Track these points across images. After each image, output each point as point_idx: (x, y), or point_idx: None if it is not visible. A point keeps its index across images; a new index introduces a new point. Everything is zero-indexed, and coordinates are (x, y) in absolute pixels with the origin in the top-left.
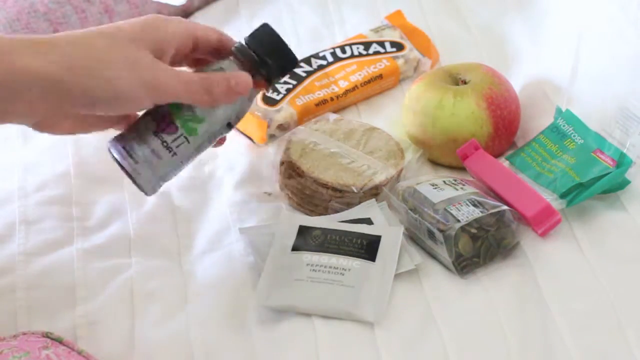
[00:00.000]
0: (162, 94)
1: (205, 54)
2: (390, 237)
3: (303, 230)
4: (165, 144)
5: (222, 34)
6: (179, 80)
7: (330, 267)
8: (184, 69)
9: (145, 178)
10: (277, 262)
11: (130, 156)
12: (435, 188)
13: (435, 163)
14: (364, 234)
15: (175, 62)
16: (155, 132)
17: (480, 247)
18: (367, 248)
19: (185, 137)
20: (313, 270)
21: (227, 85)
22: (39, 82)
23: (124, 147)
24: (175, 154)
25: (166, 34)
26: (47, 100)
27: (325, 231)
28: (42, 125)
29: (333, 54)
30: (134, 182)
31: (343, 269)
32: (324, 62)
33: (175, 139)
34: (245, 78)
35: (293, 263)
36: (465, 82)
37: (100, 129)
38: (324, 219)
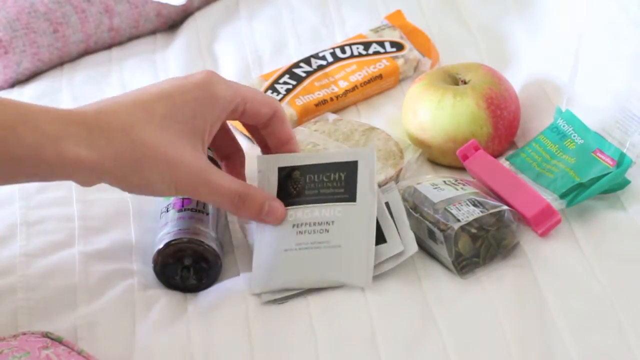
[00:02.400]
0: (191, 194)
1: (252, 125)
2: (365, 161)
3: (282, 173)
4: None
5: (278, 113)
6: (209, 186)
7: (315, 223)
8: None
9: None
10: (267, 234)
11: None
12: (436, 188)
13: (435, 163)
14: (340, 163)
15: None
16: None
17: (480, 247)
18: (346, 183)
19: None
20: (300, 232)
21: (258, 210)
22: (86, 171)
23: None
24: None
25: (218, 115)
26: (90, 182)
27: (303, 170)
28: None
29: (333, 54)
30: None
31: (327, 222)
32: (323, 62)
33: None
34: (281, 209)
35: (280, 227)
36: (465, 82)
37: None
38: (301, 155)
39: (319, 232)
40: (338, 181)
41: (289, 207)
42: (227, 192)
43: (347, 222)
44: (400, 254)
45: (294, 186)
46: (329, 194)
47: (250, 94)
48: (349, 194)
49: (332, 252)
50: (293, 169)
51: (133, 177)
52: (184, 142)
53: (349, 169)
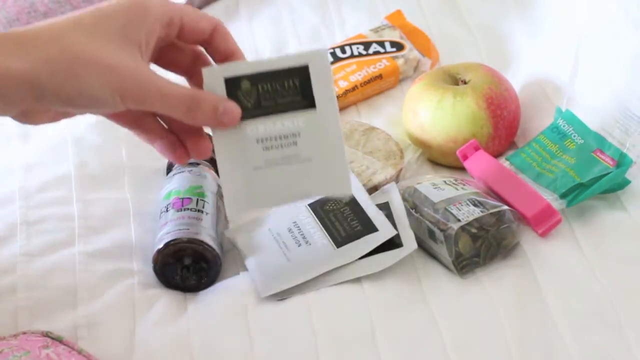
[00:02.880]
0: (140, 103)
1: (194, 44)
2: (317, 63)
3: (231, 85)
4: None
5: (218, 27)
6: (159, 91)
7: (280, 136)
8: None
9: None
10: (230, 151)
11: None
12: (436, 188)
13: (435, 163)
14: (290, 69)
15: (154, 49)
16: None
17: (480, 246)
18: (302, 89)
19: None
20: (266, 148)
21: (213, 111)
22: (19, 84)
23: None
24: None
25: (152, 26)
26: (25, 100)
27: (253, 80)
28: (21, 117)
29: (333, 54)
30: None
31: (292, 134)
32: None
33: None
34: (236, 109)
35: (241, 143)
36: (465, 82)
37: (82, 114)
38: (247, 63)
39: (287, 146)
40: (293, 88)
41: (247, 121)
42: (179, 96)
43: (312, 132)
44: (399, 250)
45: (247, 98)
46: (287, 103)
47: (187, 9)
48: (307, 101)
49: (305, 166)
50: (240, 79)
51: (69, 86)
52: (118, 49)
53: (302, 74)
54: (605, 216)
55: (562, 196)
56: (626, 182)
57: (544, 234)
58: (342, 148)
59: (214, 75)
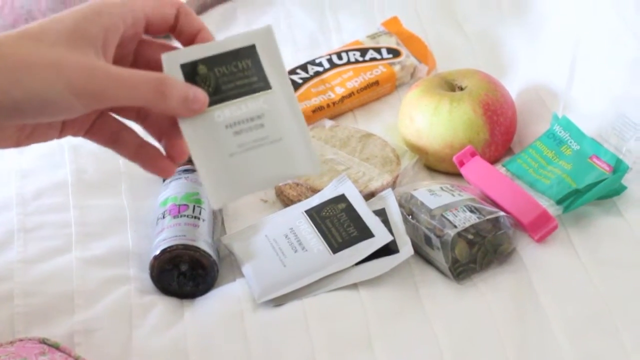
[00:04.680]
0: (99, 98)
1: (164, 33)
2: (263, 41)
3: (188, 71)
4: None
5: (181, 9)
6: (120, 79)
7: (247, 120)
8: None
9: None
10: (202, 140)
11: None
12: (432, 194)
13: (431, 169)
14: (239, 50)
15: (128, 52)
16: None
17: (476, 252)
18: (255, 70)
19: None
20: (236, 133)
21: (183, 96)
22: None
23: None
24: None
25: (109, 22)
26: None
27: (208, 64)
28: None
29: (329, 60)
30: None
31: (257, 117)
32: (320, 69)
33: None
34: (203, 94)
35: (212, 130)
36: (461, 89)
37: (51, 137)
38: (200, 47)
39: (255, 129)
40: (247, 70)
41: (212, 107)
42: (146, 80)
43: (274, 112)
44: (396, 256)
45: (206, 83)
46: (245, 85)
47: (149, 2)
48: (262, 81)
49: (277, 147)
50: (196, 63)
51: (14, 92)
52: (67, 49)
53: (251, 55)
54: (601, 222)
55: (559, 202)
56: (622, 188)
57: (540, 240)
58: (302, 126)
59: (172, 61)
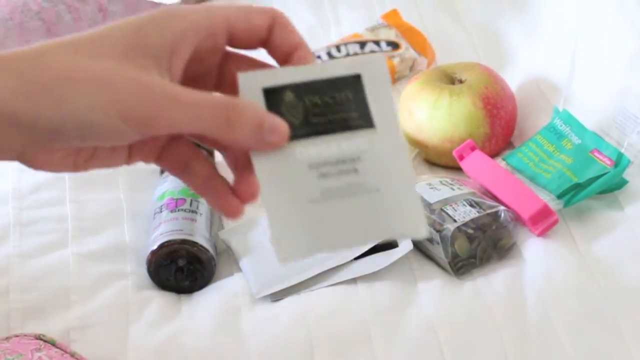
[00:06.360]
0: (152, 123)
1: (252, 47)
2: (372, 72)
3: (271, 97)
4: None
5: (278, 21)
6: (177, 103)
7: (338, 161)
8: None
9: None
10: (277, 180)
11: None
12: (432, 188)
13: (431, 163)
14: (340, 78)
15: (208, 69)
16: None
17: (476, 247)
18: (357, 104)
19: None
20: (322, 176)
21: (257, 124)
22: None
23: None
24: None
25: (178, 31)
26: (13, 136)
27: (298, 91)
28: (27, 160)
29: (329, 53)
30: None
31: (352, 159)
32: (319, 62)
33: None
34: (284, 125)
35: (291, 169)
36: (461, 82)
37: (117, 163)
38: (290, 70)
39: (347, 173)
40: (347, 102)
41: (295, 142)
42: (212, 104)
43: (374, 155)
44: (395, 251)
45: (292, 113)
46: (342, 120)
47: (232, 8)
48: (364, 118)
49: (371, 198)
50: (283, 89)
51: (50, 112)
52: (120, 62)
53: (355, 86)
54: (602, 216)
55: (559, 196)
56: (624, 182)
57: (540, 235)
58: (410, 177)
59: (251, 83)
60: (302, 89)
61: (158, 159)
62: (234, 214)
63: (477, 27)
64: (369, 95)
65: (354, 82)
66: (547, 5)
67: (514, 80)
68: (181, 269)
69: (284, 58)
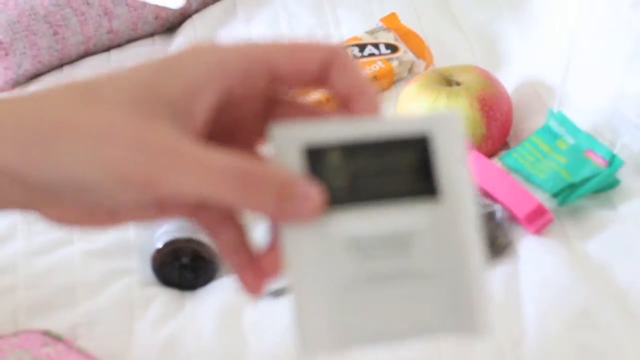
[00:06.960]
0: (152, 189)
1: (307, 90)
2: (445, 132)
3: (313, 156)
4: None
5: (337, 60)
6: (183, 166)
7: (386, 238)
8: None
9: None
10: (307, 260)
11: None
12: None
13: None
14: (403, 140)
15: (247, 115)
16: None
17: None
18: (418, 168)
19: None
20: (363, 257)
21: (277, 193)
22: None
23: None
24: None
25: (196, 74)
26: (14, 190)
27: (346, 152)
28: (41, 215)
29: None
30: None
31: (404, 237)
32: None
33: None
34: (316, 195)
35: (327, 246)
36: (458, 84)
37: (149, 217)
38: (337, 125)
39: (395, 255)
40: (406, 168)
41: (335, 213)
42: (227, 169)
43: (434, 233)
44: None
45: (335, 177)
46: (396, 189)
47: (277, 45)
48: (427, 187)
49: (422, 287)
50: (328, 149)
51: (45, 165)
52: (128, 112)
53: (422, 147)
54: (596, 215)
55: (554, 196)
56: (617, 182)
57: (535, 233)
58: (475, 262)
59: (287, 139)
60: (352, 150)
61: (194, 215)
62: (251, 289)
63: (473, 30)
64: (439, 161)
65: (422, 143)
66: (543, 8)
67: (510, 82)
68: (185, 266)
69: (341, 102)
